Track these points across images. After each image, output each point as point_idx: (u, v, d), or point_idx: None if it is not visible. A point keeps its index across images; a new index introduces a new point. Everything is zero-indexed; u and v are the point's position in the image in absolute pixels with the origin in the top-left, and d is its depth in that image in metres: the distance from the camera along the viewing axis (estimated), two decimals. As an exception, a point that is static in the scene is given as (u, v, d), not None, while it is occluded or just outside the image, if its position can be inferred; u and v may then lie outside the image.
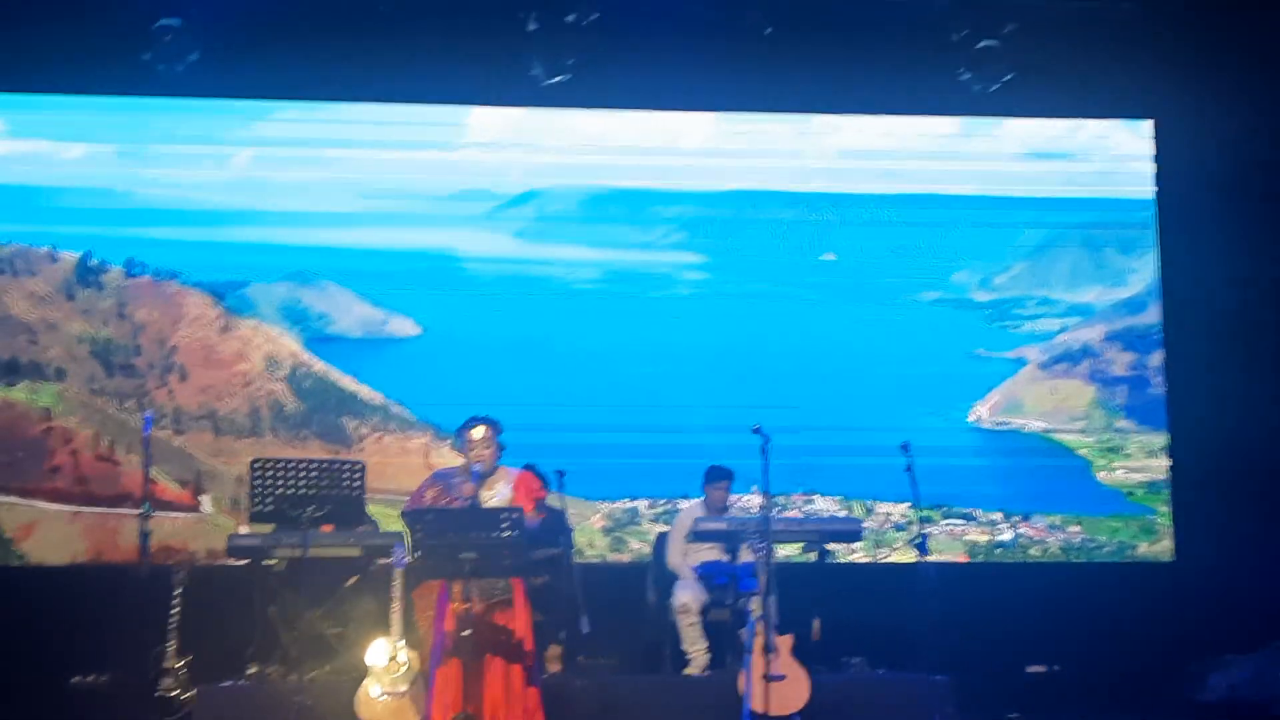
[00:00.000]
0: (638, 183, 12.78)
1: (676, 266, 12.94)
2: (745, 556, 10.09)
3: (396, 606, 8.65)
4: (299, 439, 12.03)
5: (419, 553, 7.77)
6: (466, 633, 7.77)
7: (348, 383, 12.34)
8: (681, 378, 12.55)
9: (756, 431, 8.77)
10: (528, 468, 8.77)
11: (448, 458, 11.49)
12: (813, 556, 10.46)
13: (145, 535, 9.05)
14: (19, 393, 11.89)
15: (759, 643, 8.65)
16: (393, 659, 8.60)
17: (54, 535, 11.58)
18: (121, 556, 11.31)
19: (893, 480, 10.18)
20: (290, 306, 12.46)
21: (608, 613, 9.61)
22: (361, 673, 8.74)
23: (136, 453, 10.97)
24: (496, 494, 8.22)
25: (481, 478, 8.14)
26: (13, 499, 11.61)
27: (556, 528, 9.51)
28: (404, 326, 12.62)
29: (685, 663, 10.14)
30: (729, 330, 12.75)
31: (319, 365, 12.34)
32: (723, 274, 12.92)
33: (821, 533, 10.33)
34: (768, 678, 8.53)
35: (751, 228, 12.92)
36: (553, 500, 9.17)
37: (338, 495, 8.79)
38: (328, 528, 9.39)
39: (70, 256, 12.15)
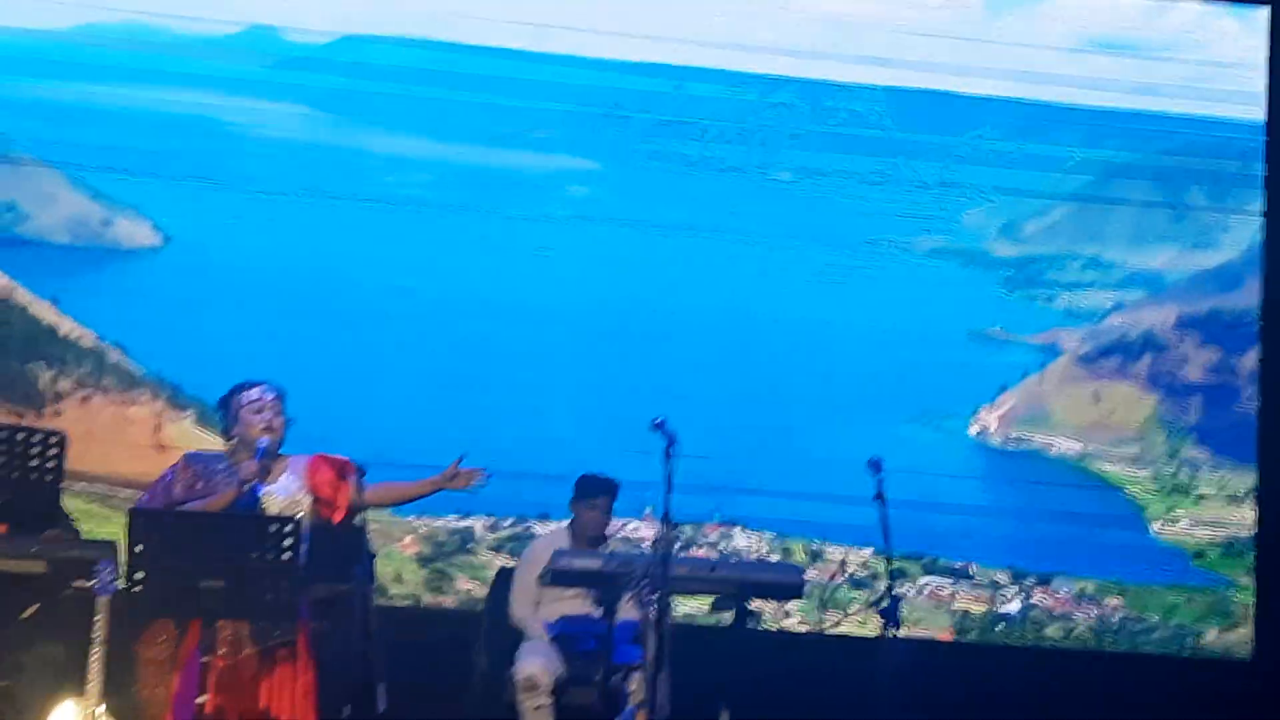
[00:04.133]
0: (505, 39, 12.75)
1: (553, 175, 12.93)
2: (627, 612, 10.13)
3: (97, 653, 8.56)
4: (-42, 392, 11.91)
5: (139, 575, 7.69)
6: (202, 699, 7.73)
7: (43, 312, 12.19)
8: (546, 339, 12.55)
9: (657, 427, 8.80)
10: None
11: (191, 437, 11.38)
12: (728, 617, 10.51)
13: None
14: None
15: (639, 741, 8.70)
16: (86, 733, 8.52)
17: None
18: None
19: (853, 513, 10.24)
20: (-41, 188, 12.30)
21: (417, 682, 9.59)
22: (38, 751, 8.66)
23: None
24: (278, 489, 8.20)
25: (268, 456, 8.10)
26: None
27: (348, 551, 9.48)
28: (136, 232, 12.48)
29: (527, 765, 10.17)
30: (622, 275, 12.77)
31: (0, 281, 12.17)
32: (619, 190, 12.92)
33: (743, 583, 10.36)
34: (649, 795, 8.58)
35: (671, 124, 12.92)
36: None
37: (20, 481, 8.65)
38: (-1, 528, 9.28)
39: None
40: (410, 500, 8.85)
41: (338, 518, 8.35)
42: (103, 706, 8.55)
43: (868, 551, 12.42)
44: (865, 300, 12.93)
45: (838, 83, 13.05)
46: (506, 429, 12.33)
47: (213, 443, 8.80)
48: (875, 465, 9.51)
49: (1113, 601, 12.78)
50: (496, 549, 12.37)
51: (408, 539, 12.33)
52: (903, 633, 9.67)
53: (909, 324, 12.95)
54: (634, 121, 12.96)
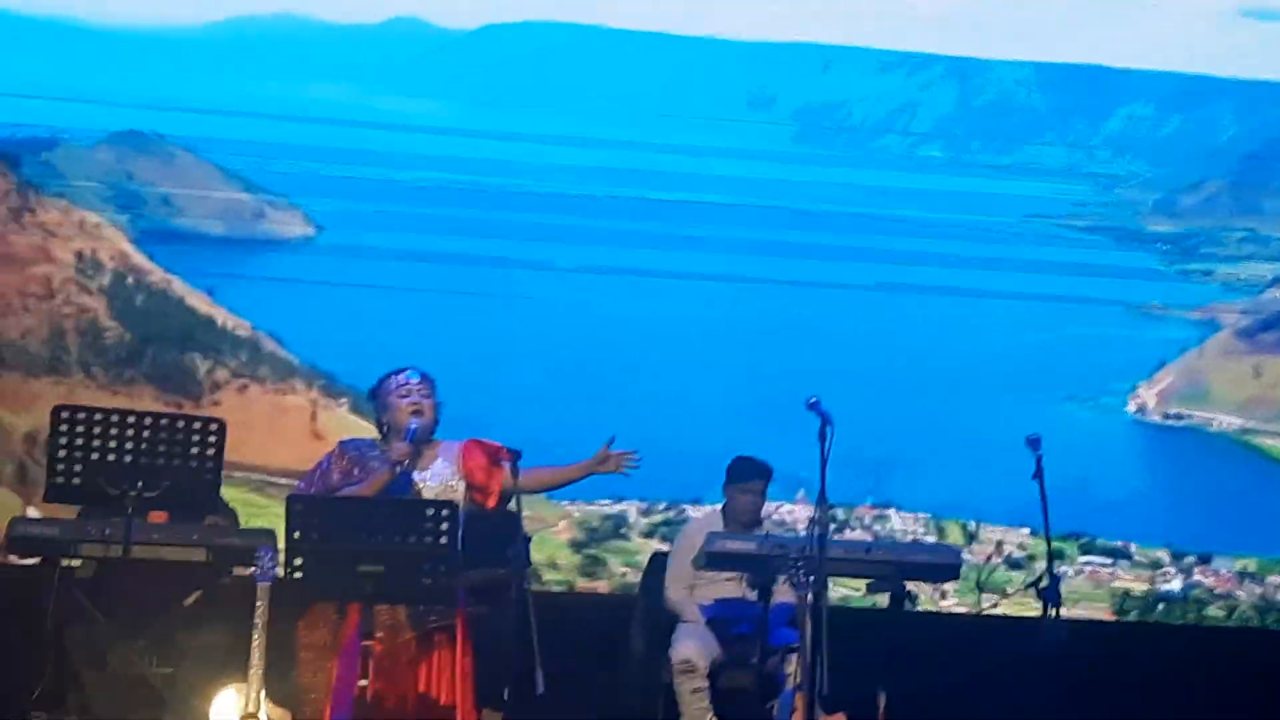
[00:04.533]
0: (651, 23, 12.78)
1: (700, 157, 12.92)
2: (782, 595, 10.08)
3: (258, 640, 8.64)
4: (122, 382, 12.00)
5: (299, 561, 7.75)
6: (362, 683, 7.78)
7: (199, 303, 12.32)
8: (699, 325, 12.55)
9: (812, 408, 8.73)
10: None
11: (346, 425, 11.46)
12: (883, 600, 10.46)
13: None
14: None
15: (797, 723, 8.67)
16: (247, 719, 8.60)
17: None
18: None
19: (1010, 492, 10.17)
20: (118, 183, 12.42)
21: (573, 666, 9.61)
22: (201, 736, 8.75)
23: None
24: (431, 475, 8.22)
25: (419, 438, 8.14)
26: None
27: (505, 536, 9.50)
28: (289, 223, 12.60)
29: (685, 746, 10.18)
30: (771, 256, 12.74)
31: (157, 274, 12.31)
32: (766, 172, 12.90)
33: (899, 565, 10.27)
34: (808, 776, 8.55)
35: (818, 105, 12.89)
36: (499, 494, 9.15)
37: (180, 469, 8.71)
38: (160, 516, 9.29)
39: None
40: (563, 484, 8.83)
41: (491, 503, 8.36)
42: (264, 692, 8.63)
43: (1024, 531, 12.33)
44: (1020, 277, 12.84)
45: (986, 59, 12.97)
46: (658, 412, 12.34)
47: (368, 431, 8.85)
48: (1033, 443, 9.40)
49: (1276, 579, 12.62)
50: (649, 534, 12.37)
51: (561, 524, 12.36)
52: (1062, 613, 9.60)
53: (1065, 300, 12.84)
54: (780, 103, 12.94)
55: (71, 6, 12.33)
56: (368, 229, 12.65)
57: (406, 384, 8.19)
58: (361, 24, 12.75)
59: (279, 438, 12.04)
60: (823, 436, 8.65)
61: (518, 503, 9.00)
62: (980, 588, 12.28)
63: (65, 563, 9.45)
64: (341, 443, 8.46)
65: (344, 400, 12.19)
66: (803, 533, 9.31)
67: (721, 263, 12.68)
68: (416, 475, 8.14)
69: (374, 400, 8.34)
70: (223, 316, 12.36)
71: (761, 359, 12.53)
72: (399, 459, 8.02)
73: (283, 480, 11.57)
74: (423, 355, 8.58)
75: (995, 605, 12.30)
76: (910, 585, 10.58)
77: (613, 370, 12.60)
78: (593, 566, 12.39)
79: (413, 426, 8.06)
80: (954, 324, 12.77)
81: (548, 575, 12.23)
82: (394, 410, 8.16)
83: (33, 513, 10.81)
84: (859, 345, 12.60)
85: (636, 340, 12.67)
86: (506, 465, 8.24)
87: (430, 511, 7.72)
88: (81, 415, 8.42)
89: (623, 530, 12.48)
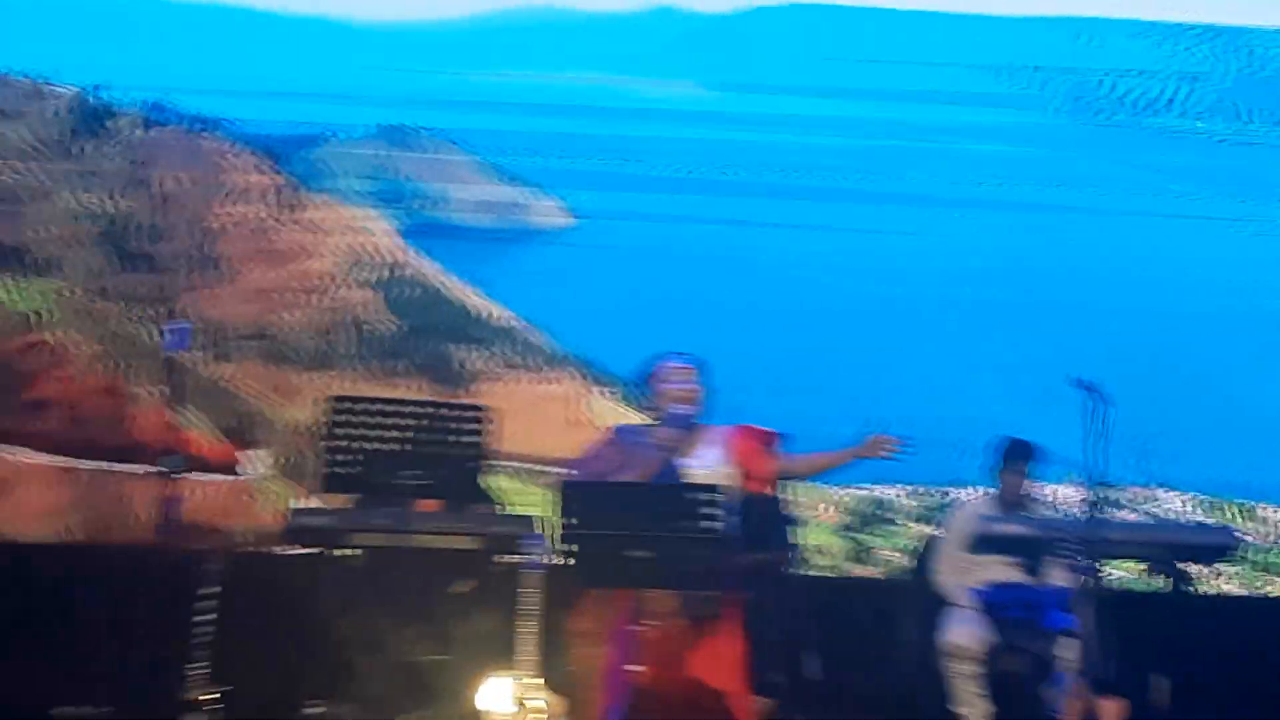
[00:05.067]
0: (919, 2, 12.74)
1: (970, 136, 12.81)
2: (1056, 578, 9.97)
3: (527, 626, 8.71)
4: (391, 373, 12.16)
5: (569, 547, 7.79)
6: (634, 669, 7.80)
7: (465, 294, 12.45)
8: (966, 305, 12.44)
9: (1082, 385, 8.61)
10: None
11: (612, 413, 11.50)
12: (1160, 582, 10.28)
13: (167, 505, 9.18)
14: (-10, 291, 12.24)
15: (1073, 709, 8.56)
16: (521, 705, 8.66)
17: (32, 499, 11.86)
18: (130, 535, 11.53)
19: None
20: (384, 178, 12.58)
21: (844, 652, 9.57)
22: (473, 723, 8.83)
23: (157, 383, 11.16)
24: (700, 461, 8.23)
25: (687, 425, 8.15)
26: (-24, 444, 11.93)
27: (771, 521, 9.49)
28: (551, 213, 12.68)
29: (957, 732, 10.10)
30: (1042, 240, 12.61)
31: (424, 267, 12.46)
32: (1041, 150, 12.77)
33: (1175, 546, 10.09)
34: (1086, 762, 8.44)
35: (1104, 81, 12.76)
36: (765, 478, 9.13)
37: (450, 456, 8.81)
38: (431, 505, 9.42)
39: (66, 92, 12.39)
40: (829, 469, 8.78)
41: (763, 489, 8.36)
42: (534, 679, 8.69)
43: (1305, 509, 12.12)
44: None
45: (1266, 28, 12.72)
46: (920, 393, 12.26)
47: (631, 418, 8.88)
48: (1315, 420, 9.20)
49: None
50: (916, 518, 12.30)
51: (824, 508, 12.33)
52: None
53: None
54: (1050, 78, 12.82)
55: (338, 5, 12.55)
56: (627, 217, 12.70)
57: (676, 369, 8.21)
58: (619, 12, 12.80)
59: (544, 426, 12.12)
60: (1094, 415, 8.53)
61: (784, 489, 8.99)
62: (1261, 568, 12.05)
63: (339, 552, 9.61)
64: (614, 428, 8.51)
65: (609, 387, 12.24)
66: (1074, 514, 9.19)
67: (988, 243, 12.57)
68: (686, 461, 8.16)
69: (644, 386, 8.36)
70: (488, 307, 12.48)
71: (1028, 338, 12.39)
72: (668, 444, 8.03)
73: (548, 468, 11.65)
74: (685, 341, 8.59)
75: (1277, 586, 12.07)
76: (1187, 566, 10.39)
77: (874, 353, 12.52)
78: (859, 551, 12.35)
79: (681, 412, 8.07)
80: (1227, 299, 12.53)
81: (817, 559, 12.21)
82: (663, 396, 8.17)
83: (309, 503, 10.96)
84: (1127, 323, 12.40)
85: (899, 323, 12.58)
86: (774, 450, 8.24)
87: (698, 496, 7.73)
88: (356, 405, 8.56)
89: (888, 514, 12.42)
